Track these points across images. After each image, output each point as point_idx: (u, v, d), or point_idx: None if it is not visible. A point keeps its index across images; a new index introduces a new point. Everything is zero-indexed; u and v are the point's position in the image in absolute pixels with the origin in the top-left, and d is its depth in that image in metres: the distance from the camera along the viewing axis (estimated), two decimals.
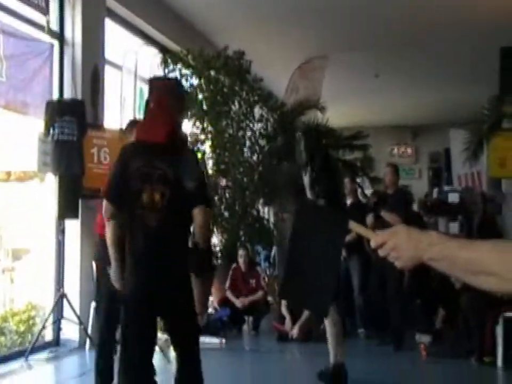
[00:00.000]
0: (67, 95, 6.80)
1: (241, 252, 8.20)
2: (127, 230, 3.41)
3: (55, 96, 6.74)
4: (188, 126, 8.32)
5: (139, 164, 3.31)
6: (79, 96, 6.77)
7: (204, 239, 3.41)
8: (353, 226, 1.77)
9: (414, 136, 17.48)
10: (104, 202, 3.44)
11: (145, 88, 8.85)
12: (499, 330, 6.12)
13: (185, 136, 3.81)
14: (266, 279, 8.30)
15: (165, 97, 3.45)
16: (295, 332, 7.25)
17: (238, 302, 7.90)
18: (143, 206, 3.29)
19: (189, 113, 8.70)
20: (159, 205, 3.28)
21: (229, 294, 8.04)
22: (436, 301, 7.32)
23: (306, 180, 5.41)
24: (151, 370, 3.40)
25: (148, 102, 3.53)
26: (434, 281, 7.17)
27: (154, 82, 3.66)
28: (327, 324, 5.37)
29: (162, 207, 3.28)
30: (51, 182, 6.49)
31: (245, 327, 8.10)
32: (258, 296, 8.01)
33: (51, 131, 6.28)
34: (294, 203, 11.13)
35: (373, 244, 1.63)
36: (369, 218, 7.16)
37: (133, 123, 4.56)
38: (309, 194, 5.71)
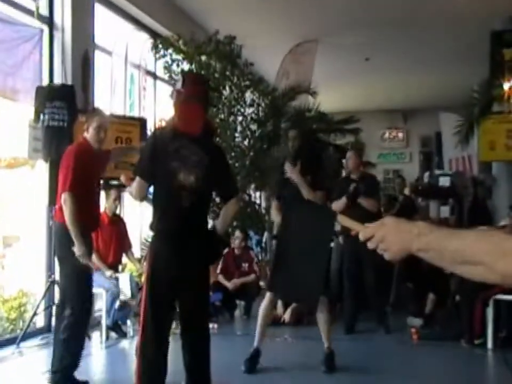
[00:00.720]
0: (57, 80, 6.73)
1: (237, 234, 8.17)
2: (156, 208, 3.59)
3: (45, 81, 6.66)
4: None
5: (178, 145, 3.49)
6: (69, 82, 6.69)
7: (227, 227, 3.79)
8: (342, 219, 1.76)
9: (405, 120, 17.45)
10: (137, 180, 3.56)
11: (136, 74, 8.82)
12: (489, 312, 6.14)
13: (214, 127, 4.02)
14: (258, 264, 8.27)
15: (199, 91, 3.63)
16: (287, 316, 7.26)
17: (230, 284, 7.88)
18: (180, 186, 3.45)
19: None
20: (193, 186, 3.46)
21: (221, 278, 8.01)
22: (426, 285, 7.32)
23: (294, 171, 5.21)
24: (167, 348, 3.56)
25: (178, 94, 3.64)
26: (426, 265, 7.17)
27: (188, 76, 3.88)
28: (318, 311, 5.38)
29: (196, 189, 3.46)
30: (42, 168, 6.42)
31: (237, 312, 8.09)
32: (250, 278, 7.99)
33: (41, 117, 6.19)
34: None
35: (361, 236, 1.59)
36: (341, 202, 6.86)
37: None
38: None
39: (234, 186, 3.78)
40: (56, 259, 4.72)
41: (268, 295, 5.39)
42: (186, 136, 3.51)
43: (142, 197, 3.68)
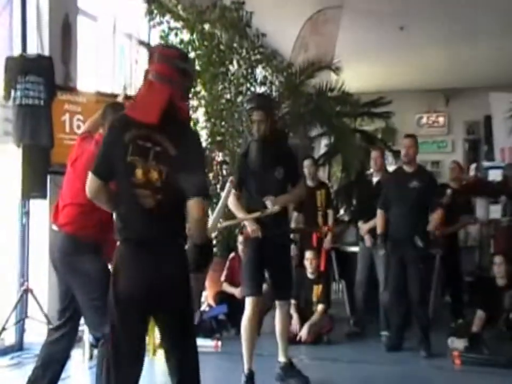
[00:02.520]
0: (32, 50, 6.66)
1: (241, 238, 8.11)
2: (117, 210, 3.47)
3: (17, 51, 6.61)
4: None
5: (134, 133, 3.34)
6: (47, 52, 6.65)
7: (200, 233, 3.47)
8: None
9: (446, 101, 17.32)
10: (90, 177, 3.45)
11: (127, 44, 8.78)
12: None
13: (187, 115, 3.80)
14: None
15: (165, 68, 3.47)
16: (303, 334, 7.24)
17: (237, 292, 7.84)
18: (137, 184, 3.32)
19: None
20: (157, 184, 3.33)
21: (225, 286, 8.01)
22: (473, 300, 7.24)
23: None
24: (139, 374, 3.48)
25: (146, 73, 3.53)
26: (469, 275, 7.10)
27: (154, 50, 3.64)
28: (278, 316, 5.68)
29: (160, 187, 3.33)
30: (13, 154, 6.39)
31: None
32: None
33: (12, 93, 6.19)
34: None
35: None
36: (437, 216, 6.96)
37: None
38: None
39: (201, 184, 3.49)
40: (72, 284, 4.49)
41: (250, 301, 5.45)
42: (145, 123, 3.36)
43: (95, 197, 3.50)
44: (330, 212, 8.49)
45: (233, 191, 5.53)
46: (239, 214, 5.48)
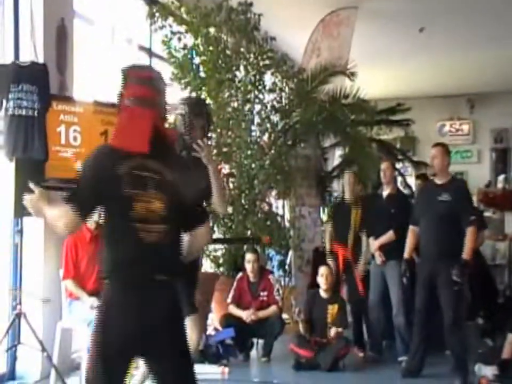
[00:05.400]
0: (25, 57, 6.67)
1: (249, 256, 8.13)
2: (110, 248, 3.41)
3: (9, 58, 6.63)
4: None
5: (128, 165, 3.34)
6: (41, 59, 6.67)
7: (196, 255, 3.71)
8: None
9: (471, 108, 17.28)
10: (65, 211, 3.34)
11: (126, 50, 8.82)
12: None
13: (173, 140, 3.77)
14: (280, 291, 8.21)
15: (146, 91, 3.49)
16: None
17: (245, 315, 7.84)
18: (137, 218, 3.32)
19: (183, 82, 8.66)
20: (159, 216, 3.35)
21: (232, 308, 8.00)
22: (502, 322, 7.16)
23: None
24: None
25: (120, 96, 3.54)
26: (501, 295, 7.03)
27: (128, 72, 3.62)
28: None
29: (163, 218, 3.36)
30: (5, 168, 6.42)
31: (254, 352, 8.04)
32: (271, 311, 7.94)
33: (4, 103, 6.19)
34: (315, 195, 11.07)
35: None
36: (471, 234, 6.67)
37: None
38: None
39: (203, 210, 3.74)
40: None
41: None
42: (135, 153, 3.36)
43: (70, 231, 3.50)
44: (363, 237, 8.08)
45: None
46: None
